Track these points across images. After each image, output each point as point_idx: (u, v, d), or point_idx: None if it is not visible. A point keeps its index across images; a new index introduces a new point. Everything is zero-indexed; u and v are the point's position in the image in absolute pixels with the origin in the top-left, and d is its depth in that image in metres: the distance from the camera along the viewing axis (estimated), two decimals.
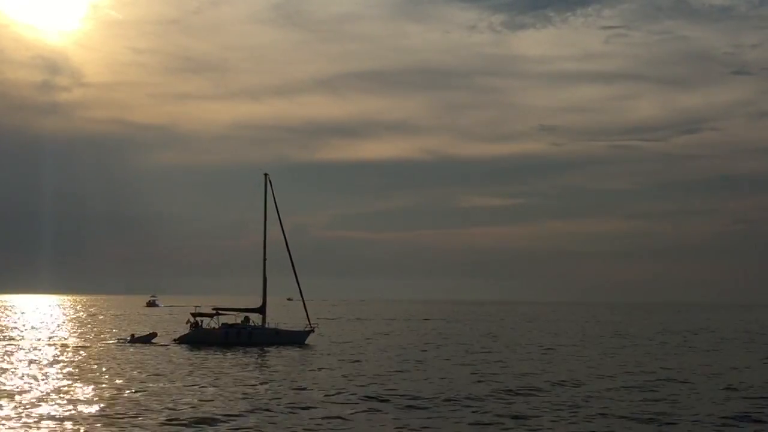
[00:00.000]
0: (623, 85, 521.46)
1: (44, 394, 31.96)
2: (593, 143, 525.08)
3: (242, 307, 65.33)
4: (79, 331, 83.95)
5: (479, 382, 37.96)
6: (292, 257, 64.93)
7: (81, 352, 53.70)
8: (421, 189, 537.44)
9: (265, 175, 65.70)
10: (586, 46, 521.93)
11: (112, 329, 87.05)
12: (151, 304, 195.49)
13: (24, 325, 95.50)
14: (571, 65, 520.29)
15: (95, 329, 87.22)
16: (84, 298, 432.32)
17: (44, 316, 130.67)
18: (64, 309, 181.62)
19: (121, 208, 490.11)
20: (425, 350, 60.22)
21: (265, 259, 64.63)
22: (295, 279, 65.14)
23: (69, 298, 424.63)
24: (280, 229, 64.68)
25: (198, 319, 63.75)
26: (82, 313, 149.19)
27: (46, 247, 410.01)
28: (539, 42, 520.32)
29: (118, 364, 45.50)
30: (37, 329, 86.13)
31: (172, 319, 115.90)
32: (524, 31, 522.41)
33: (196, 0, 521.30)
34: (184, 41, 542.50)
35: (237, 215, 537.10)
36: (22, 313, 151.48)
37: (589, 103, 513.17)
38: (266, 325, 63.99)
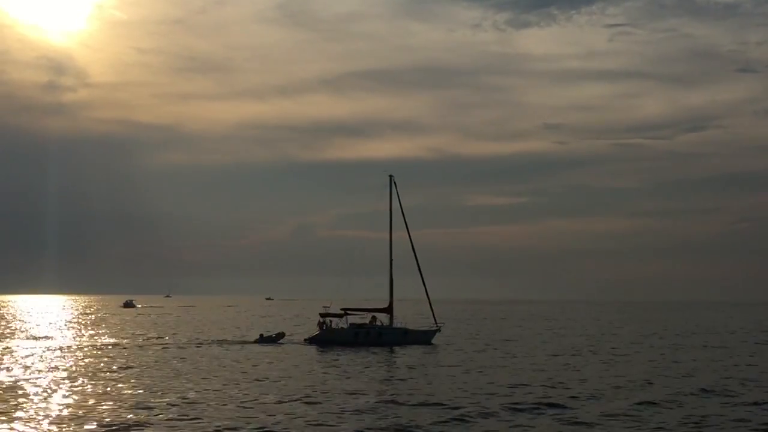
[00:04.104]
0: (628, 84, 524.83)
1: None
2: (598, 141, 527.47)
3: (370, 307, 65.93)
4: (189, 331, 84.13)
5: None
6: (418, 257, 65.63)
7: (242, 356, 54.20)
8: (425, 188, 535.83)
9: (390, 176, 66.28)
10: (590, 44, 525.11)
11: (217, 329, 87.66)
12: (127, 304, 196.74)
13: (123, 327, 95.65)
14: (575, 63, 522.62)
15: (197, 329, 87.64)
16: (91, 298, 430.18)
17: (112, 317, 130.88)
18: (95, 309, 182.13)
19: (127, 207, 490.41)
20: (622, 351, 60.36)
21: (391, 260, 65.24)
22: (421, 279, 65.77)
23: (76, 298, 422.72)
24: (406, 230, 65.40)
25: (327, 319, 64.46)
26: (148, 315, 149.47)
27: (51, 247, 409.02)
28: (544, 40, 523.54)
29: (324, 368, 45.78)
30: (141, 330, 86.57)
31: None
32: (528, 30, 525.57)
33: (200, 0, 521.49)
34: (188, 41, 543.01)
35: (241, 215, 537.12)
36: (88, 314, 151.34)
37: (593, 102, 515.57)
38: (394, 325, 64.76)
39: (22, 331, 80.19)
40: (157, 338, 69.93)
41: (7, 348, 56.39)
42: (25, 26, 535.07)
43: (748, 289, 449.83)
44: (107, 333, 78.90)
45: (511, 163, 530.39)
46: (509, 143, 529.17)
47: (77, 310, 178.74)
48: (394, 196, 65.57)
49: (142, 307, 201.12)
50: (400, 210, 65.29)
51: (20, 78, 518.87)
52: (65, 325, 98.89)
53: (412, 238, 65.47)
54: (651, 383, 37.04)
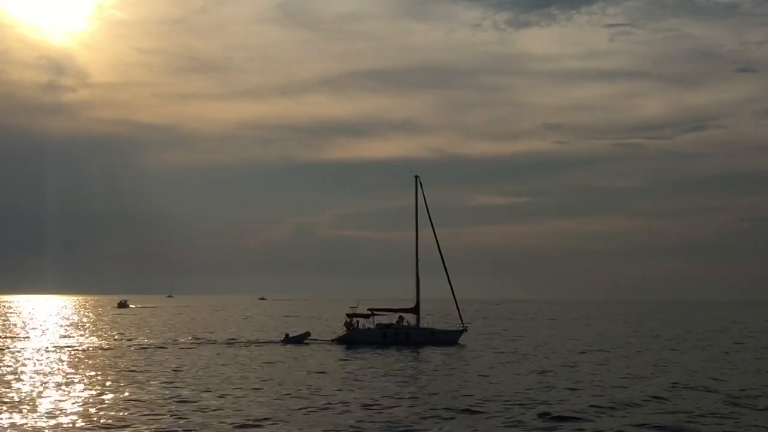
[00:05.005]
0: (628, 83, 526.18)
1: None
2: (598, 141, 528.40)
3: (397, 308, 65.97)
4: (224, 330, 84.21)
5: None
6: (443, 257, 65.72)
7: (293, 356, 54.23)
8: (426, 188, 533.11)
9: (416, 177, 66.42)
10: (590, 44, 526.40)
11: (223, 330, 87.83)
12: (122, 305, 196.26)
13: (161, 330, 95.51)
14: (575, 63, 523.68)
15: (244, 328, 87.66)
16: (90, 298, 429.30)
17: (139, 319, 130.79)
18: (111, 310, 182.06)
19: (127, 207, 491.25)
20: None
21: (417, 260, 65.27)
22: (447, 279, 66.03)
23: (75, 298, 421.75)
24: (431, 229, 65.50)
25: (354, 319, 64.58)
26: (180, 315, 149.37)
27: (51, 247, 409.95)
28: (544, 40, 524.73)
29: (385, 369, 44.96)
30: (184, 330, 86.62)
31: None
32: (529, 30, 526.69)
33: (200, 0, 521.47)
34: (189, 41, 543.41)
35: (241, 215, 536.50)
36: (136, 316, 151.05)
37: (594, 102, 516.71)
38: (420, 325, 64.85)
39: None
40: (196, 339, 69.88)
41: None
42: (25, 26, 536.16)
43: (748, 289, 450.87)
44: (89, 334, 79.04)
45: (511, 163, 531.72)
46: (509, 143, 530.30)
47: (70, 310, 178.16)
48: (420, 196, 65.75)
49: (136, 307, 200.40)
50: (426, 211, 65.35)
51: (20, 78, 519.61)
52: (50, 325, 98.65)
53: (436, 238, 65.54)
54: None
